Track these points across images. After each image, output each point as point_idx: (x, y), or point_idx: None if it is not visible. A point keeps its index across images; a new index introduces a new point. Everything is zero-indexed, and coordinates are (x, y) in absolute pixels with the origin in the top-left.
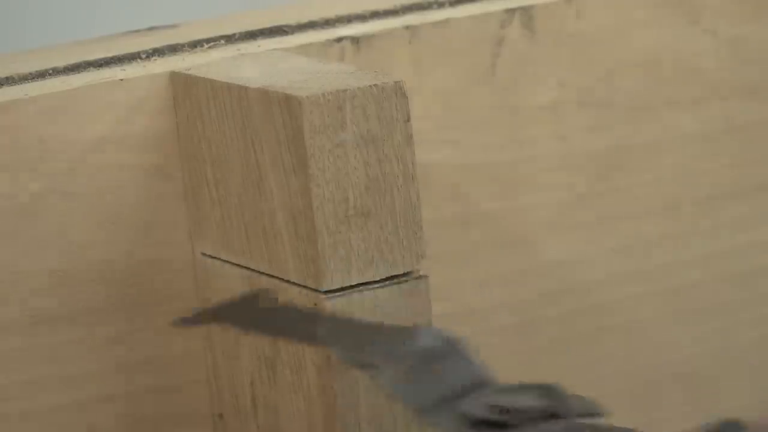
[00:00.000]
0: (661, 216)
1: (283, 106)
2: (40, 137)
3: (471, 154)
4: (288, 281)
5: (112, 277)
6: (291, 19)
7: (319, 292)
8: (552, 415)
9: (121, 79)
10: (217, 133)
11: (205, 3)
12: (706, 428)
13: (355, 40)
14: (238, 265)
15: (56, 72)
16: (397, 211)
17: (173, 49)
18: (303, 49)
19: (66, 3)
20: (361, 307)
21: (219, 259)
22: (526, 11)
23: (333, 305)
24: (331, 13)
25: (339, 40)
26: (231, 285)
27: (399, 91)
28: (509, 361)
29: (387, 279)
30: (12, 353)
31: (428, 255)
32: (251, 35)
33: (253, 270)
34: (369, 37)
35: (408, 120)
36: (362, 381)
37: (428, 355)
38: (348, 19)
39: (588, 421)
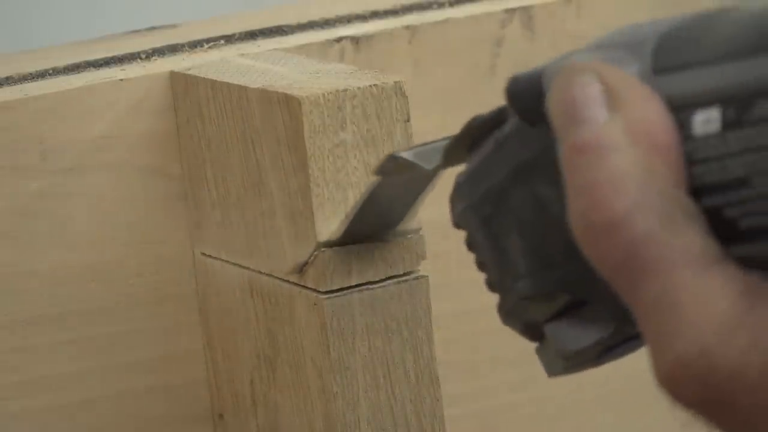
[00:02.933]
0: None
1: (283, 106)
2: (40, 137)
3: None
4: (288, 281)
5: (112, 277)
6: (291, 19)
7: (319, 292)
8: None
9: (121, 79)
10: (217, 133)
11: (205, 3)
12: None
13: (355, 40)
14: (238, 265)
15: (56, 72)
16: None
17: (173, 49)
18: (303, 49)
19: (66, 3)
20: (361, 306)
21: (219, 259)
22: (526, 11)
23: (332, 303)
24: (331, 13)
25: (339, 40)
26: (231, 285)
27: (399, 91)
28: (509, 361)
29: (387, 279)
30: (12, 353)
31: (428, 255)
32: (251, 35)
33: (253, 270)
34: (369, 37)
35: (408, 120)
36: (362, 381)
37: None
38: (348, 19)
39: None
